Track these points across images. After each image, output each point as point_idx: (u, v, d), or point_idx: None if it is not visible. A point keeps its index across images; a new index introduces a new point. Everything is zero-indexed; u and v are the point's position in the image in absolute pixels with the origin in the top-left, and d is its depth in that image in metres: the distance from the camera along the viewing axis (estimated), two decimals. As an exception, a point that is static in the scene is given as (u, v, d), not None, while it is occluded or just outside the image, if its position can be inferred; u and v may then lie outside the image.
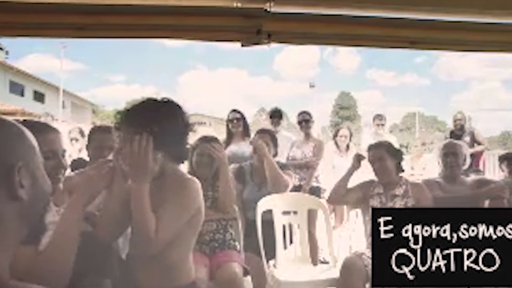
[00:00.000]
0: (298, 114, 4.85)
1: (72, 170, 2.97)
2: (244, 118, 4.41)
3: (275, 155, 3.45)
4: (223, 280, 2.52)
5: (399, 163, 3.02)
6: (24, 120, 1.64)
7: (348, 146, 5.53)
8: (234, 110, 4.43)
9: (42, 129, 1.55)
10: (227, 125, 4.42)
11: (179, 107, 1.62)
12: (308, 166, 4.52)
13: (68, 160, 1.85)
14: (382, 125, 6.29)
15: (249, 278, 2.81)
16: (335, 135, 5.66)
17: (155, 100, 1.60)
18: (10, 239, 0.86)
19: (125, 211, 1.57)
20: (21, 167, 0.84)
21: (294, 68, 67.39)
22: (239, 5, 2.24)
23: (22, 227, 0.88)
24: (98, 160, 2.44)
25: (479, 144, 6.11)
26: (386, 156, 2.98)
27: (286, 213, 3.24)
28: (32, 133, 0.90)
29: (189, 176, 1.66)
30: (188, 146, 1.69)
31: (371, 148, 3.09)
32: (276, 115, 4.84)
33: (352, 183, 3.13)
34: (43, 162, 0.92)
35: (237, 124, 4.32)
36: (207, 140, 2.90)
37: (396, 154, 3.03)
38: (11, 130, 0.87)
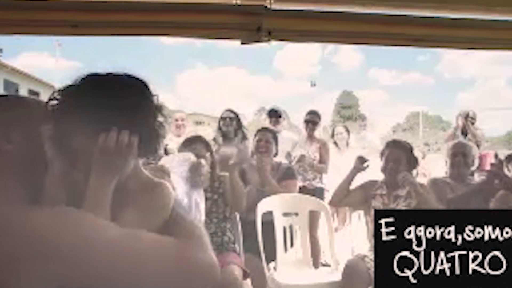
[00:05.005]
0: (307, 113, 4.79)
1: None
2: (238, 118, 4.32)
3: (276, 154, 3.43)
4: (222, 284, 2.48)
5: (411, 169, 2.98)
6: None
7: (347, 144, 5.50)
8: (228, 110, 4.35)
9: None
10: (219, 124, 4.33)
11: (146, 85, 1.15)
12: (315, 169, 4.48)
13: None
14: (365, 125, 6.53)
15: (249, 281, 2.76)
16: (332, 135, 5.67)
17: (114, 74, 1.12)
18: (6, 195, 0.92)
19: None
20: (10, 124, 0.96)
21: (295, 67, 67.47)
22: (239, 2, 2.21)
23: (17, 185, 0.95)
24: None
25: (477, 144, 6.04)
26: (403, 159, 2.93)
27: (286, 214, 3.20)
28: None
29: (157, 179, 1.25)
30: (159, 136, 1.19)
31: (390, 145, 3.04)
32: (274, 114, 4.77)
33: (354, 183, 3.09)
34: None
35: (229, 123, 4.23)
36: (192, 142, 2.82)
37: (412, 160, 2.98)
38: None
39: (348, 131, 5.61)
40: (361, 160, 3.09)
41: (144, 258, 0.93)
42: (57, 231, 0.85)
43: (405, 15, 2.37)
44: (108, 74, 1.09)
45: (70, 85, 1.06)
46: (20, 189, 0.95)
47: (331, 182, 4.33)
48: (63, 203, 1.01)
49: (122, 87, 1.08)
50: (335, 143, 5.51)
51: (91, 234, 0.88)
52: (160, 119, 1.15)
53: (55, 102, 1.04)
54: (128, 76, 1.11)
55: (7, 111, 1.00)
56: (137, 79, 1.12)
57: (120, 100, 1.05)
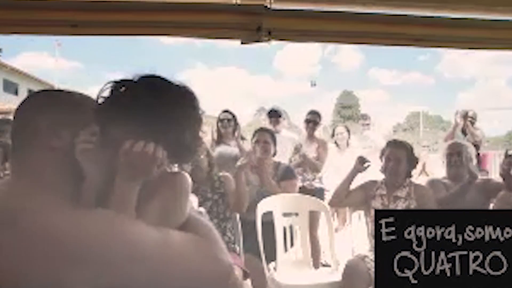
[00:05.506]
0: (308, 113, 4.79)
1: None
2: (235, 119, 4.32)
3: (274, 154, 3.44)
4: None
5: (411, 169, 2.98)
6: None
7: (347, 144, 5.50)
8: (225, 111, 4.35)
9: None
10: (217, 125, 4.33)
11: (194, 95, 1.14)
12: (310, 163, 4.46)
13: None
14: (367, 124, 6.44)
15: (249, 281, 2.76)
16: (333, 135, 5.68)
17: (165, 80, 1.10)
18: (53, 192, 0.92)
19: None
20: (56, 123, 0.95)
21: (295, 66, 67.52)
22: (239, 2, 2.21)
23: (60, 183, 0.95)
24: None
25: (476, 144, 6.03)
26: (404, 159, 2.93)
27: (287, 214, 3.19)
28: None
29: (175, 170, 1.28)
30: (197, 149, 1.22)
31: (391, 145, 3.04)
32: (274, 115, 4.77)
33: (354, 183, 3.09)
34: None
35: (227, 124, 4.23)
36: None
37: (412, 160, 2.98)
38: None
39: (348, 131, 5.62)
40: (362, 160, 3.08)
41: (172, 262, 0.94)
42: (93, 234, 0.85)
43: (405, 15, 2.36)
44: (163, 78, 1.07)
45: (123, 81, 1.04)
46: (62, 188, 0.95)
47: (331, 182, 4.32)
48: (97, 206, 0.99)
49: (175, 95, 1.06)
50: (335, 143, 5.52)
51: (124, 238, 0.88)
52: (201, 134, 1.15)
53: (107, 102, 1.01)
54: (182, 86, 1.09)
55: (59, 106, 1.00)
56: (190, 91, 1.11)
57: (171, 107, 1.03)
